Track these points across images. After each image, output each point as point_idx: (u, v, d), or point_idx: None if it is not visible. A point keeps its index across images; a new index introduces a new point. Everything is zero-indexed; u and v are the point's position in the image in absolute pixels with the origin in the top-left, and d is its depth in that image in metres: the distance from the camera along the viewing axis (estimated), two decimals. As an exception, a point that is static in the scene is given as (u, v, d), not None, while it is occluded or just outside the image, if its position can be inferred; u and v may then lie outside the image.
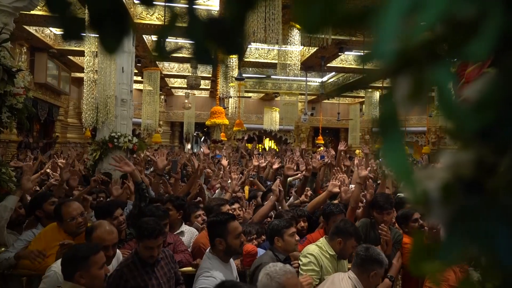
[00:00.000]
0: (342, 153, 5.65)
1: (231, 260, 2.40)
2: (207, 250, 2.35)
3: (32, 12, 6.88)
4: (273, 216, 3.41)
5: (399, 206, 3.49)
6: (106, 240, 2.24)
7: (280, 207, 3.66)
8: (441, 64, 0.27)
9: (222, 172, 5.02)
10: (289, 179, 4.64)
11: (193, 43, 0.39)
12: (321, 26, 0.28)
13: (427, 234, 2.76)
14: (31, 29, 8.88)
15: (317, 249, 2.61)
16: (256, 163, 5.53)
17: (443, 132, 15.49)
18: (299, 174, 4.84)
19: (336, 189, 3.55)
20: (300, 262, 2.59)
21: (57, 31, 10.07)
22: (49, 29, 9.77)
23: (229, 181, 4.07)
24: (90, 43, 6.99)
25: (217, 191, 4.26)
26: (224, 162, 5.02)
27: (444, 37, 0.27)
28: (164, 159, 3.87)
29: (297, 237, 2.64)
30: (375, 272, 2.16)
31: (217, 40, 0.38)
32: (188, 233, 3.33)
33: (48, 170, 4.95)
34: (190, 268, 2.85)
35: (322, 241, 2.68)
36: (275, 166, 5.49)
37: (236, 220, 2.40)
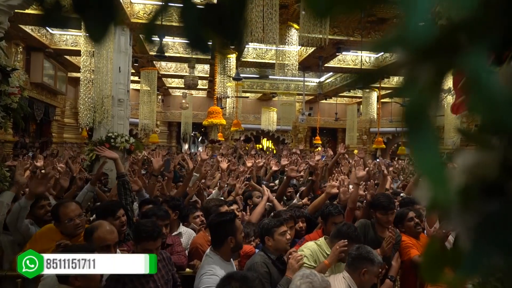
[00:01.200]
0: (341, 155, 5.60)
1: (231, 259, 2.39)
2: (208, 250, 2.34)
3: (27, 11, 6.84)
4: (272, 216, 3.39)
5: (404, 206, 3.50)
6: (108, 239, 2.20)
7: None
8: (478, 50, 0.24)
9: (220, 173, 4.98)
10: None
11: (187, 30, 0.35)
12: (335, 5, 0.25)
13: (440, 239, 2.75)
14: (27, 29, 8.82)
15: (315, 245, 2.59)
16: (249, 165, 5.36)
17: (440, 132, 15.51)
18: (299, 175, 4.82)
19: (334, 190, 3.53)
20: None
21: (54, 30, 10.02)
22: (45, 29, 9.70)
23: (226, 183, 4.03)
24: (86, 43, 6.94)
25: (214, 191, 4.23)
26: (224, 164, 4.92)
27: (486, 17, 0.24)
28: (160, 160, 3.82)
29: (288, 236, 2.59)
30: (365, 270, 2.18)
31: (214, 27, 0.35)
32: (186, 235, 3.31)
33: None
34: (188, 270, 2.82)
35: (322, 240, 2.66)
36: (274, 168, 5.45)
37: None
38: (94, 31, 0.38)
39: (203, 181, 4.75)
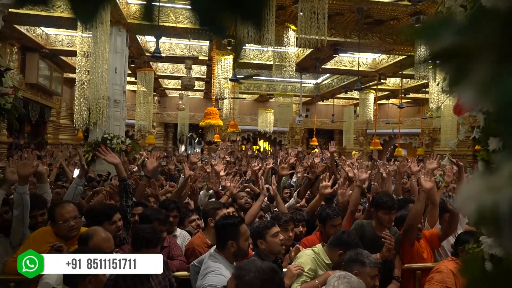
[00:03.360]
0: (334, 154, 5.53)
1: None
2: (213, 250, 2.30)
3: (22, 11, 6.77)
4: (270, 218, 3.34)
5: (401, 206, 3.52)
6: (105, 248, 2.15)
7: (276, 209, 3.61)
8: None
9: (213, 175, 4.91)
10: (282, 180, 4.59)
11: (197, 8, 0.32)
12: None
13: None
14: (22, 29, 8.73)
15: (313, 254, 2.52)
16: (257, 167, 5.27)
17: (437, 134, 15.54)
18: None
19: (328, 191, 3.48)
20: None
21: (49, 30, 9.93)
22: (41, 29, 9.62)
23: (221, 185, 3.98)
24: (82, 43, 6.87)
25: (202, 192, 4.18)
26: (219, 167, 4.81)
27: None
28: (154, 162, 3.73)
29: (282, 237, 2.53)
30: (356, 272, 2.15)
31: (231, 5, 0.31)
32: (181, 237, 3.28)
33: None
34: (185, 273, 2.77)
35: (319, 248, 2.58)
36: (269, 166, 5.39)
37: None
38: (82, 10, 0.34)
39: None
